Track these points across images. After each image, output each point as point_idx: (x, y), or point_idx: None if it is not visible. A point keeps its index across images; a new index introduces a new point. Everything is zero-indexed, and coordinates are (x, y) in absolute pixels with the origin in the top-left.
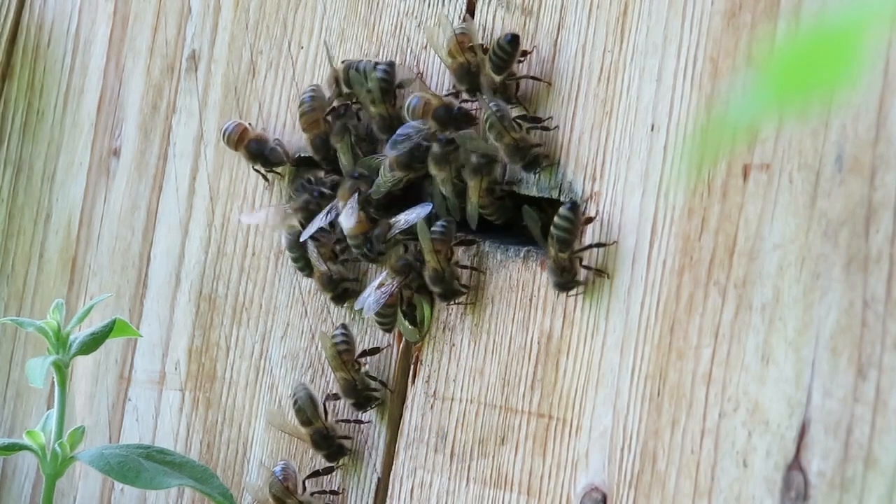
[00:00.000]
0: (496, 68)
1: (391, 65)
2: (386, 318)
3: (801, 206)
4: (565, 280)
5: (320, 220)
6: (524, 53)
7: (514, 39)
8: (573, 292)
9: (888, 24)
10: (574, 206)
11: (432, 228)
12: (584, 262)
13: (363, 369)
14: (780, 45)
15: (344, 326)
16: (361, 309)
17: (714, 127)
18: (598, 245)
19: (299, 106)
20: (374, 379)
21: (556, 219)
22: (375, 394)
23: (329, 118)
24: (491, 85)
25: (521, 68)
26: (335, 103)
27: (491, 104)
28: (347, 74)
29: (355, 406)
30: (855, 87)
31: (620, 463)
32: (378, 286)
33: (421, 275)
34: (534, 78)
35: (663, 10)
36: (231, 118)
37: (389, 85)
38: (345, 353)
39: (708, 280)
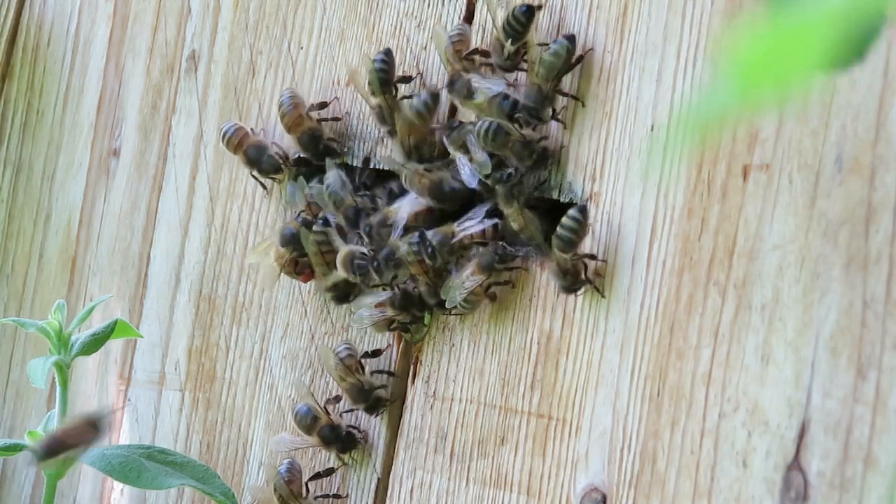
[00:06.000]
0: (511, 39)
1: (388, 53)
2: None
3: (800, 206)
4: (569, 283)
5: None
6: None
7: (528, 10)
8: (580, 292)
9: (888, 24)
10: (583, 210)
11: (412, 248)
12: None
13: (366, 371)
14: (744, 37)
15: (348, 342)
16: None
17: (686, 118)
18: (591, 257)
19: (279, 108)
20: (381, 372)
21: (563, 219)
22: (383, 394)
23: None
24: (502, 53)
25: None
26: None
27: (483, 120)
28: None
29: (366, 411)
30: (841, 82)
31: (620, 463)
32: (377, 305)
33: (419, 304)
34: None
35: (663, 10)
36: (231, 118)
37: (388, 74)
38: (348, 359)
39: (708, 280)
